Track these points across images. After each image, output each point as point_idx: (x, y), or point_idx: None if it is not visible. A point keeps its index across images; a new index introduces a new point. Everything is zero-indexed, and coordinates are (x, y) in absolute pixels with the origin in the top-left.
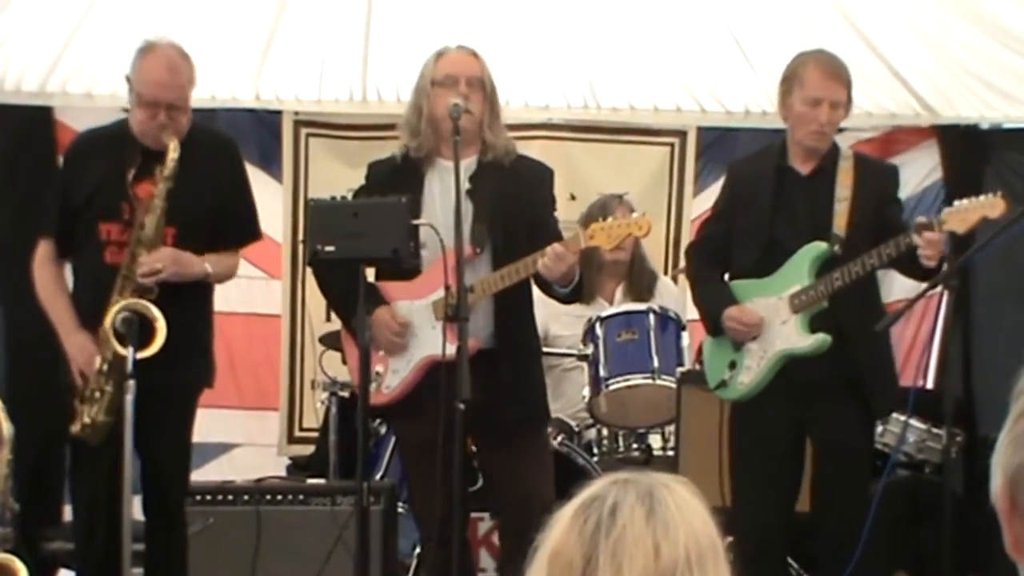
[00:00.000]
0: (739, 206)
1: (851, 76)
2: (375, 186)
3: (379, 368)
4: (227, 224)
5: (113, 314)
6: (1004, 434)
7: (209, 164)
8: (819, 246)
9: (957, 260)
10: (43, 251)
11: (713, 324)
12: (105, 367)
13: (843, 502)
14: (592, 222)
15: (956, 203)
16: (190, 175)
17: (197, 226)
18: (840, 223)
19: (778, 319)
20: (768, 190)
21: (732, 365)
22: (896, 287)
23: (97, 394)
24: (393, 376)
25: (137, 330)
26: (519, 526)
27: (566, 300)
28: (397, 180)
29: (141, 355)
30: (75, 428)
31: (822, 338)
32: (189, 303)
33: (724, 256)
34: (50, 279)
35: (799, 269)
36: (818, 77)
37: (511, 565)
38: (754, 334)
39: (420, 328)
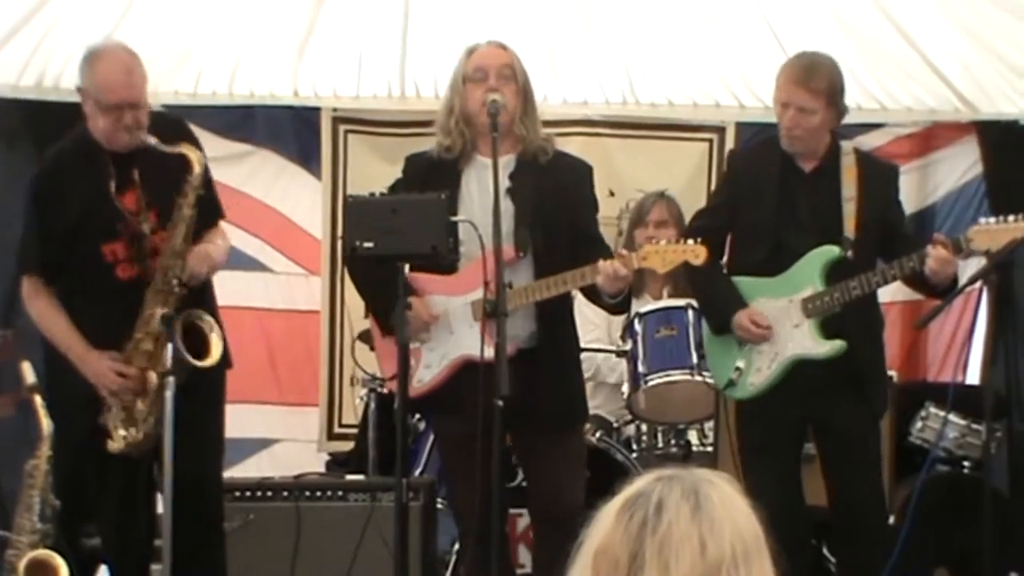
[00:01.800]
0: (742, 202)
1: (832, 82)
2: (411, 181)
3: (411, 362)
4: (203, 206)
5: (155, 325)
6: None
7: (174, 156)
8: (831, 250)
9: (995, 255)
10: (29, 286)
11: (719, 323)
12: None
13: (859, 498)
14: (635, 226)
15: (983, 220)
16: (164, 172)
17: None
18: (850, 225)
19: (789, 322)
20: (772, 188)
21: (739, 364)
22: None
23: (140, 408)
24: (425, 371)
25: (178, 328)
26: (548, 524)
27: (614, 310)
28: (434, 176)
29: (202, 364)
30: (116, 446)
31: (839, 344)
32: (191, 294)
33: (721, 249)
34: (45, 309)
35: (810, 272)
36: (783, 81)
37: (542, 561)
38: (765, 339)
39: (457, 326)
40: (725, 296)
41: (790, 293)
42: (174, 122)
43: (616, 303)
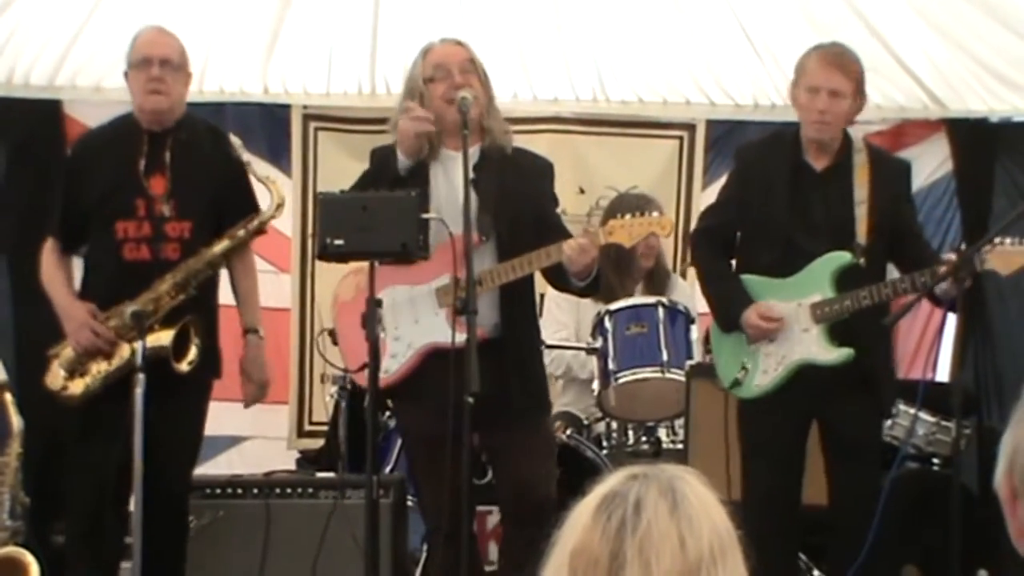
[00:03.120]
0: (752, 199)
1: (861, 70)
2: (378, 174)
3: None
4: (232, 215)
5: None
6: (1010, 423)
7: (207, 153)
8: (843, 256)
9: (965, 253)
10: (48, 246)
11: (728, 322)
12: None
13: (860, 497)
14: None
15: (999, 241)
16: (193, 165)
17: (207, 217)
18: (862, 229)
19: (798, 326)
20: (783, 187)
21: (745, 364)
22: None
23: (96, 370)
24: (391, 361)
25: (143, 325)
26: (518, 519)
27: (582, 293)
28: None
29: (180, 368)
30: (52, 384)
31: (847, 352)
32: (196, 297)
33: (731, 246)
34: (50, 266)
35: (820, 277)
36: (816, 66)
37: (512, 556)
38: (774, 336)
39: (422, 314)
40: (734, 294)
41: (799, 297)
42: (214, 129)
43: (583, 286)
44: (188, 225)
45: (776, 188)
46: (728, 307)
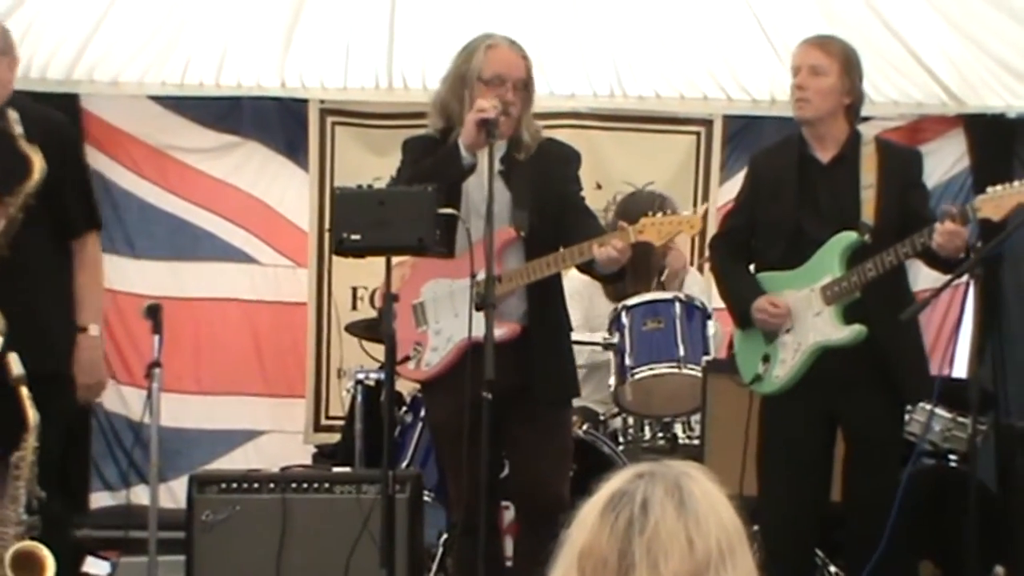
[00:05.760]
0: (762, 198)
1: (850, 55)
2: (446, 166)
3: (419, 342)
4: (61, 211)
5: None
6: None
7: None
8: (849, 236)
9: (982, 249)
10: None
11: (742, 316)
12: None
13: (873, 492)
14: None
15: (990, 189)
16: (17, 154)
17: (28, 210)
18: (868, 211)
19: (811, 311)
20: (791, 181)
21: (765, 359)
22: (922, 276)
23: None
24: (432, 354)
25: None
26: (528, 513)
27: (608, 279)
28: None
29: None
30: None
31: (859, 329)
32: (30, 282)
33: (747, 249)
34: None
35: (830, 260)
36: (798, 50)
37: (524, 551)
38: (785, 325)
39: (461, 309)
40: (745, 288)
41: (811, 282)
42: (53, 123)
43: (610, 272)
44: None
45: (784, 184)
46: (740, 301)
